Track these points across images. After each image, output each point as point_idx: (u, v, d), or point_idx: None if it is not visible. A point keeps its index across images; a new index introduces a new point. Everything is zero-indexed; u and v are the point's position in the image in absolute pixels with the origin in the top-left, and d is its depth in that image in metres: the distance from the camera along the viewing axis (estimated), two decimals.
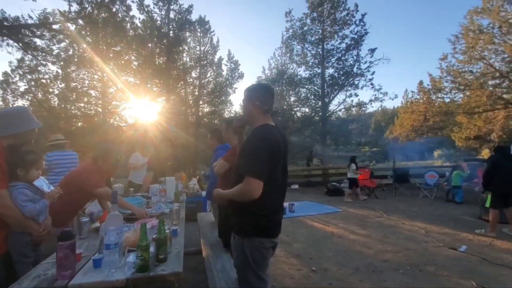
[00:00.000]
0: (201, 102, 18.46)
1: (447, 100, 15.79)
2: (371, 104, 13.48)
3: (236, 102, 25.28)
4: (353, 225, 5.17)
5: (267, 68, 18.08)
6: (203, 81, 17.85)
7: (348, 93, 13.32)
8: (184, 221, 2.32)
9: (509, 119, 14.93)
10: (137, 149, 5.15)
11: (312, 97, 14.00)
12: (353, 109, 15.16)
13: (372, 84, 12.87)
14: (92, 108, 14.04)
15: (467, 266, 3.23)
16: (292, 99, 16.00)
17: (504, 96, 13.14)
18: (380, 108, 71.18)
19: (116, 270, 1.31)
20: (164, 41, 14.87)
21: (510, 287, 2.72)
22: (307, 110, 15.02)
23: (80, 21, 11.17)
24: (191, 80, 17.66)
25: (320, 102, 13.61)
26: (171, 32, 15.33)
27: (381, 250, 3.80)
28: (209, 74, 17.97)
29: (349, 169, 8.01)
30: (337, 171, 11.64)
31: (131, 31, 13.16)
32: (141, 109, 15.09)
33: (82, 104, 13.62)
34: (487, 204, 4.57)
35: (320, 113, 13.68)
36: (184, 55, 17.00)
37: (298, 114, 15.57)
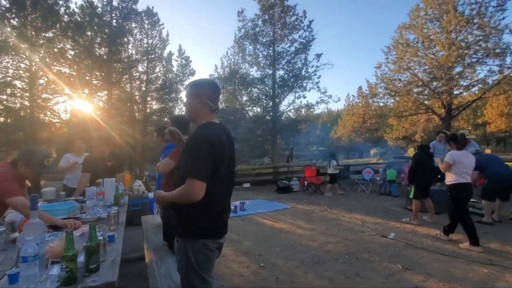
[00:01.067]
0: (149, 99, 17.46)
1: (381, 104, 17.68)
2: (317, 106, 14.33)
3: None
4: (300, 220, 5.43)
5: (219, 66, 17.96)
6: (151, 76, 16.89)
7: (297, 95, 13.96)
8: (123, 225, 2.16)
9: (429, 122, 17.39)
10: (74, 148, 4.63)
11: (264, 97, 14.30)
12: (302, 110, 15.95)
13: (318, 87, 13.66)
14: (17, 101, 12.17)
15: (395, 251, 3.65)
16: (244, 98, 16.16)
17: (426, 102, 15.24)
18: (326, 110, 76.30)
19: (37, 285, 1.16)
20: (106, 30, 13.62)
21: (428, 267, 3.16)
22: (258, 109, 15.33)
23: (3, 2, 9.62)
24: (137, 74, 16.57)
25: (271, 102, 13.98)
26: (114, 21, 14.12)
27: (324, 242, 4.07)
28: (158, 69, 17.08)
29: (329, 165, 8.25)
30: (288, 169, 12.11)
31: (66, 16, 11.73)
32: (78, 104, 13.60)
33: (4, 97, 11.69)
34: (411, 196, 5.25)
35: (271, 113, 14.05)
36: (130, 47, 15.88)
37: (250, 113, 15.80)
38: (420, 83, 13.92)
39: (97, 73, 13.90)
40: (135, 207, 4.86)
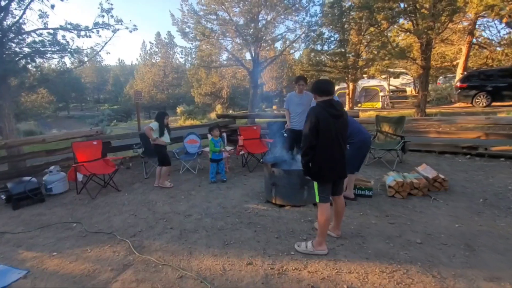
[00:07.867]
0: None
1: (191, 46, 14.73)
2: (98, 32, 8.17)
3: None
4: None
5: None
6: None
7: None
8: None
9: (233, 77, 16.81)
10: None
11: None
12: (64, 34, 7.89)
13: None
14: None
15: None
16: None
17: (235, 53, 13.96)
18: (118, 62, 65.05)
19: None
20: None
21: None
22: None
23: None
24: None
25: None
26: None
27: None
28: None
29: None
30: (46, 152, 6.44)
31: None
32: None
33: None
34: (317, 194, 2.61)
35: None
36: None
37: None
38: (234, 27, 12.07)
39: None
40: None
